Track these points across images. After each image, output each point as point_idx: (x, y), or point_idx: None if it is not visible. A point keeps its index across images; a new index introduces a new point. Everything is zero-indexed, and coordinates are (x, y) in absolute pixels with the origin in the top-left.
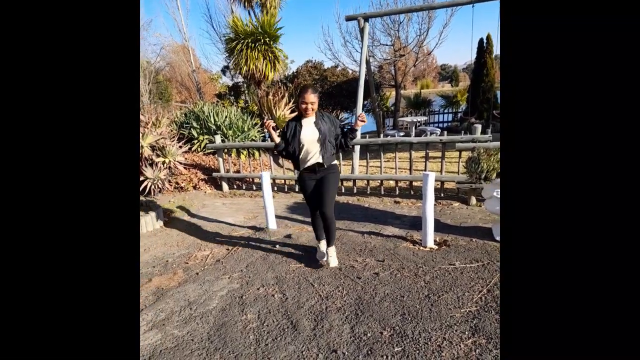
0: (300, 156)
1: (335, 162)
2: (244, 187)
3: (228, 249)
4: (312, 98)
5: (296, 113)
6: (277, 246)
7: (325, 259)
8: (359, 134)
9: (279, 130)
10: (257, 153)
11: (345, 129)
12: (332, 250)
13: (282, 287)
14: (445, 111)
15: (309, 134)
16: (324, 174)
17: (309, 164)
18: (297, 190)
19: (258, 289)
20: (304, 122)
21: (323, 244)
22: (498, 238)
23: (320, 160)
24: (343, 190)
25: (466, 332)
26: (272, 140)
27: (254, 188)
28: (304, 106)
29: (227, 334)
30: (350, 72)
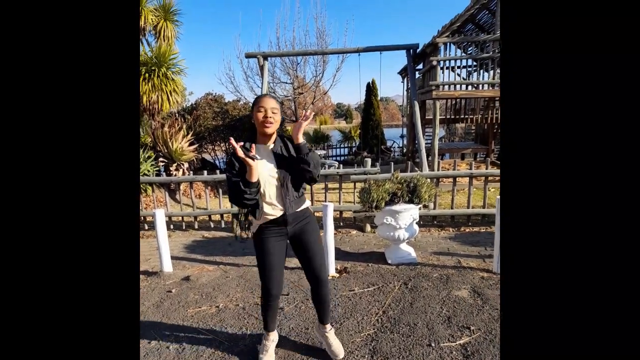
0: (262, 199)
1: (307, 203)
2: None
3: None
4: (272, 103)
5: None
6: (173, 291)
7: (328, 347)
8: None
9: (251, 158)
10: (149, 189)
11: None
12: (332, 330)
13: (179, 336)
14: (342, 146)
15: (265, 168)
16: (296, 226)
17: (271, 215)
18: (196, 228)
19: (149, 342)
20: (260, 148)
21: (273, 338)
22: (390, 261)
23: (286, 209)
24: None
25: (366, 356)
26: (247, 176)
27: (146, 227)
28: (260, 115)
29: None
30: None
